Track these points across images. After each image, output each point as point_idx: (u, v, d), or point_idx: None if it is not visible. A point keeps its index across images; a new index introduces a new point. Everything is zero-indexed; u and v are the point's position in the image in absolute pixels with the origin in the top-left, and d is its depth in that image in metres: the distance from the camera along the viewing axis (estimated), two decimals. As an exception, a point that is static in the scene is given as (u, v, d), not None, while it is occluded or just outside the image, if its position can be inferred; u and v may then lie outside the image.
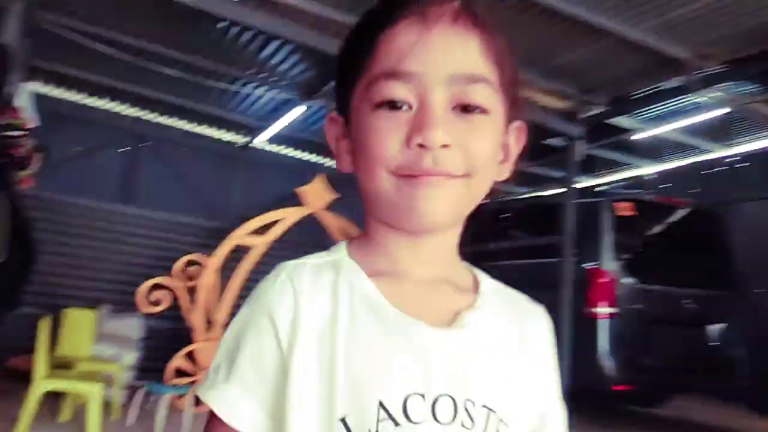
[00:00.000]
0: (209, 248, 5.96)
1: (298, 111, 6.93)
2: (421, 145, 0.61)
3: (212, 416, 0.64)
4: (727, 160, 8.54)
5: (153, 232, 7.44)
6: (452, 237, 0.70)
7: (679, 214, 6.24)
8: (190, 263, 5.77)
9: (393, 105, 0.62)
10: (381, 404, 0.59)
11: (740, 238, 7.30)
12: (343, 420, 0.59)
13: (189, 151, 8.16)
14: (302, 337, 0.62)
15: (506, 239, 6.62)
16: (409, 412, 0.60)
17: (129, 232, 7.33)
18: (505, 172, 0.71)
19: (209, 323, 5.74)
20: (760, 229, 7.88)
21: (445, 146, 0.61)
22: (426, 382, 0.61)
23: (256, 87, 6.70)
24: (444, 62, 0.62)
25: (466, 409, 0.62)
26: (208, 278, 5.72)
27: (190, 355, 5.55)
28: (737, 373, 6.05)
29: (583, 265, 5.56)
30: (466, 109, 0.63)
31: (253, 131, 7.87)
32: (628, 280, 5.51)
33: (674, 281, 5.69)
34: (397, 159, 0.62)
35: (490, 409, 0.64)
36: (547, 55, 5.48)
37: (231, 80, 6.59)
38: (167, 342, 5.83)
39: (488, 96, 0.64)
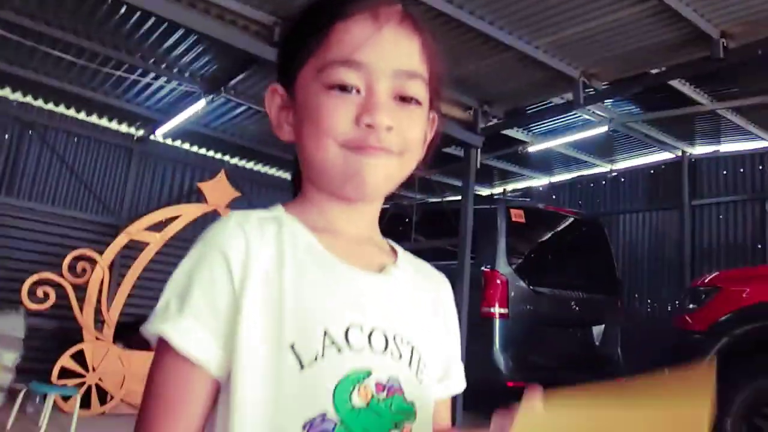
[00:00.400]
0: (99, 244, 5.69)
1: (199, 105, 6.76)
2: (369, 125, 0.71)
3: (163, 349, 0.66)
4: (611, 174, 9.20)
5: (37, 225, 6.98)
6: (378, 206, 0.82)
7: (567, 222, 6.65)
8: (80, 259, 5.47)
9: (343, 88, 0.72)
10: (326, 333, 0.67)
11: (620, 247, 7.88)
12: (291, 347, 0.66)
13: (80, 141, 7.68)
14: (253, 276, 0.68)
15: (407, 242, 6.78)
16: (350, 340, 0.68)
17: (10, 225, 6.83)
18: (425, 154, 0.82)
19: (99, 322, 5.47)
20: (637, 240, 8.55)
21: (389, 128, 0.72)
22: (362, 317, 0.71)
23: (156, 78, 6.46)
24: (391, 58, 0.73)
25: (396, 343, 0.72)
26: (99, 275, 5.45)
27: (78, 356, 5.26)
28: (614, 370, 6.52)
29: (480, 268, 5.80)
30: (403, 99, 0.74)
31: (150, 124, 7.56)
32: (520, 283, 5.81)
33: (561, 285, 6.06)
34: (346, 134, 0.71)
35: (414, 347, 0.74)
36: (449, 64, 5.67)
37: (129, 69, 6.32)
38: (52, 342, 5.48)
39: (421, 90, 0.76)
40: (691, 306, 4.49)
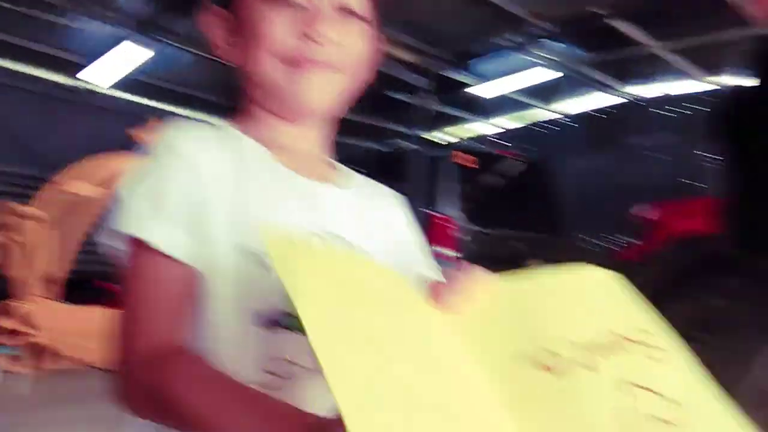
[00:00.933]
0: (32, 199, 5.42)
1: (133, 49, 6.44)
2: (309, 38, 0.70)
3: (140, 251, 0.66)
4: (557, 118, 9.33)
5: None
6: (325, 127, 0.81)
7: (515, 166, 6.76)
8: (13, 214, 5.23)
9: (285, 1, 0.70)
10: None
11: (567, 188, 8.08)
12: (252, 252, 0.67)
13: (8, 91, 7.25)
14: (214, 179, 0.69)
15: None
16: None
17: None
18: (370, 74, 0.80)
19: (38, 280, 5.29)
20: (583, 182, 8.78)
21: (332, 41, 0.71)
22: (319, 224, 0.73)
23: (88, 21, 6.11)
24: None
25: (353, 248, 0.75)
26: (35, 231, 5.24)
27: (18, 316, 5.09)
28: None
29: (430, 213, 5.85)
30: (346, 13, 0.73)
31: (83, 71, 7.18)
32: (470, 226, 5.91)
33: (510, 226, 6.21)
34: (286, 47, 0.70)
35: (369, 253, 0.76)
36: (394, 5, 5.53)
37: (59, 12, 5.94)
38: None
39: (364, 5, 0.76)
40: (627, 239, 4.68)
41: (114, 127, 7.39)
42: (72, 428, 3.64)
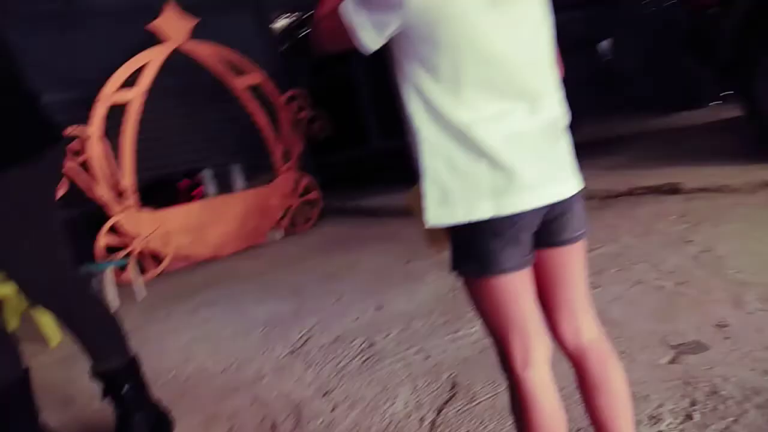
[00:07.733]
0: (76, 121, 5.26)
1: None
2: None
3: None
4: None
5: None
6: None
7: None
8: (81, 137, 5.21)
9: None
10: None
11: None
12: None
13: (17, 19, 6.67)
14: None
15: None
16: None
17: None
18: None
19: (118, 193, 5.39)
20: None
21: None
22: None
23: None
24: None
25: None
26: (96, 148, 5.25)
27: (114, 230, 5.28)
28: (631, 83, 6.31)
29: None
30: None
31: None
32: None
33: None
34: None
35: None
36: None
37: None
38: (84, 228, 5.40)
39: None
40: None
41: (126, 28, 6.64)
42: (194, 314, 3.84)
